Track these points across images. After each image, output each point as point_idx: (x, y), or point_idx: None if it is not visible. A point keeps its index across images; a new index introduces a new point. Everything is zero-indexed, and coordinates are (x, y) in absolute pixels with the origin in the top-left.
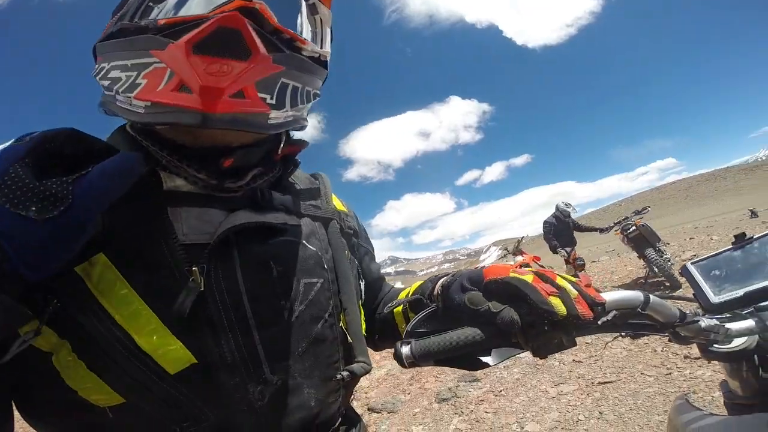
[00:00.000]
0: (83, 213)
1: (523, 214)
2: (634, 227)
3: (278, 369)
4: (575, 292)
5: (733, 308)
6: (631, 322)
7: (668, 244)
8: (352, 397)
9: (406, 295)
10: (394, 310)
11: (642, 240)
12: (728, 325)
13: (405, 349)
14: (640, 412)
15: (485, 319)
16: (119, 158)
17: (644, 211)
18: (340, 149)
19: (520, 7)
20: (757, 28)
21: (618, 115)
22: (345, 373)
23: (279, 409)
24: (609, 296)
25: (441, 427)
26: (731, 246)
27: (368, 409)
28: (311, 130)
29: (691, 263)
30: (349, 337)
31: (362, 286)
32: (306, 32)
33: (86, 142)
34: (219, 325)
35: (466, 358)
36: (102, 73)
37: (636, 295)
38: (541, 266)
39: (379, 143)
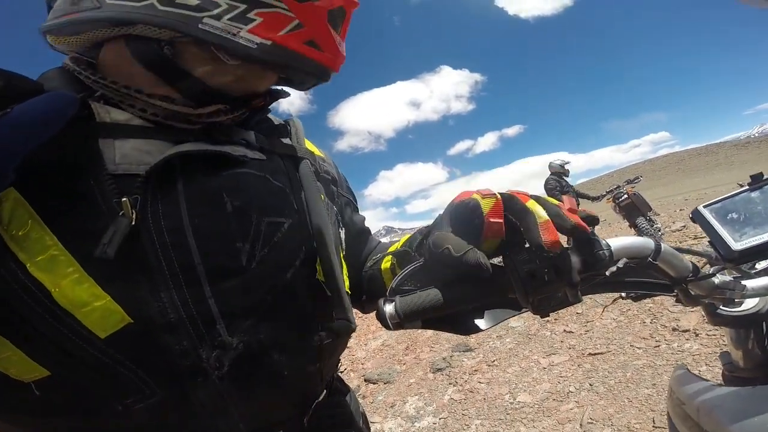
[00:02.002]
0: None
1: (516, 183)
2: (626, 196)
3: (237, 329)
4: (544, 216)
5: (758, 257)
6: (636, 280)
7: (658, 214)
8: (341, 365)
9: (395, 250)
10: (381, 266)
11: (633, 208)
12: (745, 282)
13: (389, 308)
14: (629, 384)
15: (450, 264)
16: (45, 99)
17: (636, 180)
18: (330, 120)
19: None
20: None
21: (613, 88)
22: (323, 333)
23: (243, 379)
24: (615, 243)
25: (436, 397)
26: (747, 187)
27: (365, 380)
28: (298, 101)
29: (704, 206)
30: (327, 291)
31: (342, 235)
32: None
33: (5, 81)
34: (157, 271)
35: (458, 321)
36: None
37: (646, 241)
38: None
39: (370, 114)
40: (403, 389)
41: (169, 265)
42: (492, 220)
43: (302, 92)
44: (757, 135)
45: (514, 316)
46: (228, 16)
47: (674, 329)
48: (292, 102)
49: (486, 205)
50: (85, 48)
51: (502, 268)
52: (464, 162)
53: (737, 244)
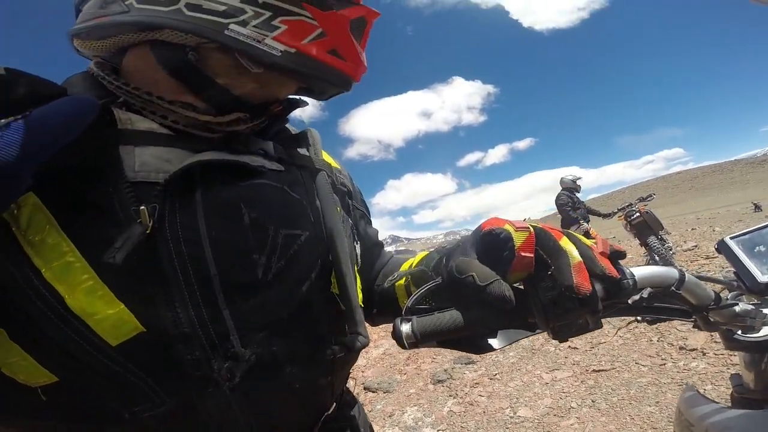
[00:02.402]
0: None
1: (525, 197)
2: (638, 214)
3: (251, 341)
4: (577, 258)
5: None
6: (658, 305)
7: (669, 233)
8: (350, 377)
9: (409, 267)
10: (396, 283)
11: (645, 227)
12: (765, 310)
13: (405, 327)
14: (632, 402)
15: (473, 293)
16: (65, 103)
17: (649, 198)
18: (341, 128)
19: None
20: None
21: (627, 103)
22: (337, 348)
23: (254, 391)
24: (640, 272)
25: (435, 408)
26: None
27: (364, 388)
28: (310, 108)
29: (730, 237)
30: (341, 304)
31: (358, 249)
32: None
33: (28, 86)
34: (173, 282)
35: (472, 340)
36: None
37: (670, 271)
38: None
39: (380, 122)
40: (403, 399)
41: (185, 276)
42: (524, 254)
43: (315, 101)
44: None
45: (527, 336)
46: (254, 23)
47: (681, 348)
48: (304, 109)
49: (519, 238)
50: (110, 53)
51: (523, 293)
52: (474, 174)
53: (764, 276)
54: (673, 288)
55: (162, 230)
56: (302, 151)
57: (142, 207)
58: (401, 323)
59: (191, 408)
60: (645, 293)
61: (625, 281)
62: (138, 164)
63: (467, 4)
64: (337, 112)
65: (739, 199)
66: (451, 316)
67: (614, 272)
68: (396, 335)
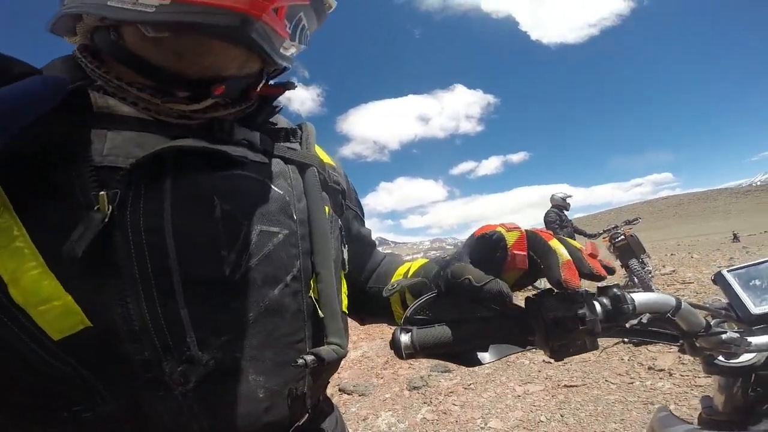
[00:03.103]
0: None
1: (513, 211)
2: (622, 236)
3: (210, 345)
4: (566, 256)
5: None
6: (650, 329)
7: (650, 257)
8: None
9: (405, 273)
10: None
11: (628, 250)
12: (750, 339)
13: (405, 338)
14: (599, 418)
15: (470, 294)
16: (28, 83)
17: (635, 222)
18: (338, 125)
19: (544, 1)
20: None
21: (623, 123)
22: (309, 358)
23: (212, 398)
24: (640, 298)
25: (410, 414)
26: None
27: (339, 390)
28: (310, 103)
29: (728, 270)
30: (320, 311)
31: (345, 254)
32: None
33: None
34: (126, 274)
35: (464, 353)
36: None
37: (668, 299)
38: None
39: (378, 123)
40: (378, 404)
41: (141, 268)
42: (516, 252)
43: (315, 95)
44: (759, 183)
45: (517, 352)
46: None
47: (650, 368)
48: (303, 102)
49: (511, 238)
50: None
51: (524, 312)
52: (465, 183)
53: (756, 309)
54: (669, 314)
55: (122, 218)
56: (293, 145)
57: (102, 192)
58: (401, 333)
59: (138, 411)
60: (644, 318)
61: (625, 306)
62: (107, 148)
63: (479, 12)
64: (335, 110)
65: (719, 228)
66: (450, 330)
67: (602, 271)
68: (395, 345)
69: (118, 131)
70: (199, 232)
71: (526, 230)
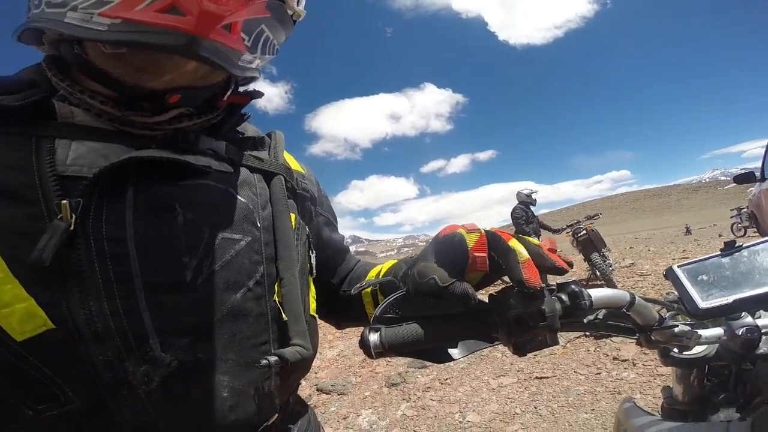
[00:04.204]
0: None
1: (482, 207)
2: (584, 231)
3: (173, 346)
4: (525, 255)
5: (720, 315)
6: (608, 323)
7: (611, 251)
8: (300, 385)
9: (377, 275)
10: (363, 291)
11: (590, 244)
12: (700, 332)
13: (373, 337)
14: (571, 409)
15: (435, 294)
16: None
17: (595, 217)
18: (307, 123)
19: (511, 1)
20: (721, 60)
21: (585, 123)
22: (273, 359)
23: (176, 397)
24: (596, 294)
25: (389, 411)
26: (719, 252)
27: (317, 390)
28: (277, 99)
29: (678, 266)
30: (284, 314)
31: (313, 259)
32: None
33: None
34: (89, 279)
35: (434, 350)
36: None
37: (623, 294)
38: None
39: (348, 121)
40: (357, 402)
41: (104, 274)
42: (476, 254)
43: (283, 93)
44: (707, 180)
45: (485, 348)
46: (84, 5)
47: (615, 358)
48: (270, 99)
49: (471, 240)
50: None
51: (488, 310)
52: (435, 181)
53: (704, 303)
54: (624, 309)
55: (84, 226)
56: (261, 153)
57: (65, 201)
58: (369, 333)
59: (102, 410)
60: (600, 314)
61: (582, 302)
62: (71, 158)
63: (449, 11)
64: (304, 107)
65: (673, 222)
66: (418, 327)
67: (564, 265)
68: (364, 344)
69: (82, 141)
70: (160, 240)
71: (485, 231)
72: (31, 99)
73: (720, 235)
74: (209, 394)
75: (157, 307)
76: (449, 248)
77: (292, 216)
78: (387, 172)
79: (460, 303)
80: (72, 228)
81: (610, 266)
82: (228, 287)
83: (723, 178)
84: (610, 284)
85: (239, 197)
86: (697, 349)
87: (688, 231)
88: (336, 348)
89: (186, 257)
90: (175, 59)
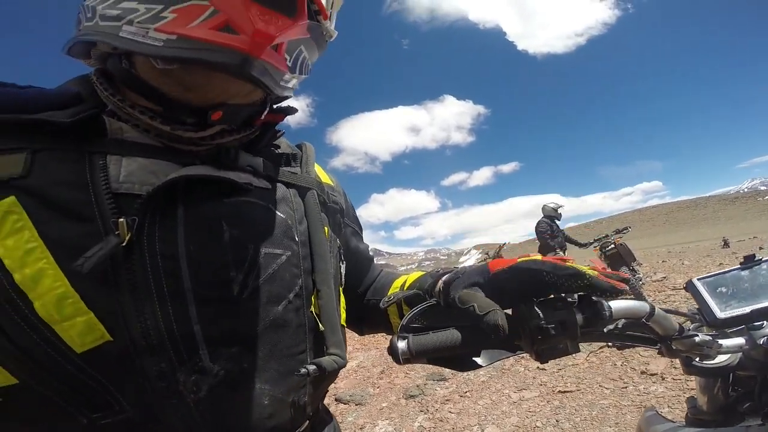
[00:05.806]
0: None
1: (506, 221)
2: (612, 245)
3: (221, 356)
4: (594, 273)
5: (737, 325)
6: (629, 333)
7: (641, 264)
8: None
9: (401, 286)
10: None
11: (618, 258)
12: (721, 341)
13: (402, 344)
14: (594, 422)
15: (471, 320)
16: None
17: (625, 231)
18: (328, 136)
19: (529, 10)
20: (758, 62)
21: (613, 133)
22: (311, 368)
23: (221, 405)
24: (616, 305)
25: (406, 423)
26: (739, 266)
27: (335, 399)
28: (299, 113)
29: (698, 279)
30: (320, 325)
31: (343, 270)
32: (328, 7)
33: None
34: (145, 294)
35: (459, 358)
36: (110, 1)
37: (642, 305)
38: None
39: (368, 135)
40: (375, 413)
41: (159, 290)
42: (611, 280)
43: (305, 106)
44: (746, 190)
45: (509, 357)
46: (140, 19)
47: (643, 372)
48: (295, 114)
49: (593, 272)
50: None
51: (513, 319)
52: (457, 194)
53: (721, 313)
54: (643, 319)
55: (140, 243)
56: (294, 168)
57: (122, 219)
58: (398, 340)
59: (152, 418)
60: (619, 323)
61: (602, 312)
62: (123, 175)
63: (466, 22)
64: (325, 121)
65: (709, 234)
66: (445, 335)
67: (619, 283)
68: (392, 351)
69: (132, 158)
70: (210, 256)
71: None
72: (83, 115)
73: (761, 248)
74: (251, 402)
75: (206, 319)
76: (512, 278)
77: (326, 229)
78: (407, 185)
79: (491, 332)
80: (125, 243)
81: (640, 280)
82: (270, 300)
83: (763, 187)
84: (639, 298)
85: (278, 213)
86: (720, 359)
87: (725, 244)
88: (355, 359)
89: (233, 272)
90: (224, 77)
